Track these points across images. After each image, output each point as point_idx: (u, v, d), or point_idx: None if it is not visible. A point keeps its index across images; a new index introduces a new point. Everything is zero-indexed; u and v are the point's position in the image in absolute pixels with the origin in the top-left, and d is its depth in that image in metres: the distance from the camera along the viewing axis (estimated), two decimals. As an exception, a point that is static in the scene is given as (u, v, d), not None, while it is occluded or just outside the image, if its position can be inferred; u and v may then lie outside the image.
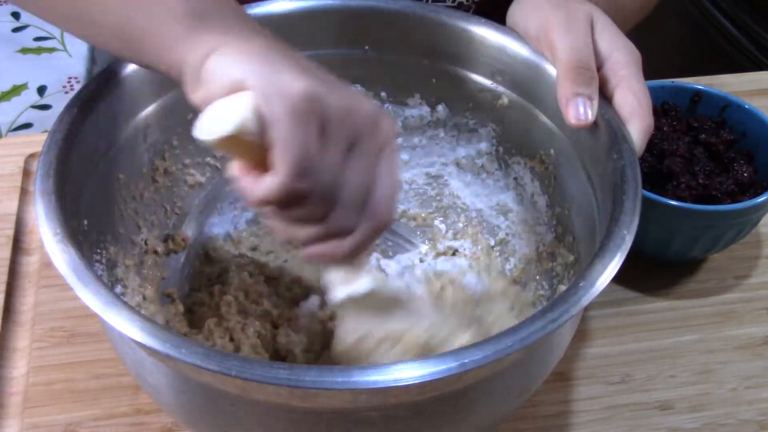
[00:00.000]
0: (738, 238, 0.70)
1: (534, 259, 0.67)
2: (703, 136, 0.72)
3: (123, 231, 0.60)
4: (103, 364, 0.65)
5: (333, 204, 0.46)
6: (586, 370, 0.66)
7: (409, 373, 0.43)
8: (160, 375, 0.50)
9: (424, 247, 0.72)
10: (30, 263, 0.73)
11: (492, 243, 0.70)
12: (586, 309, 0.48)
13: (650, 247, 0.70)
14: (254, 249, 0.69)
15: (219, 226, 0.70)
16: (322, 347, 0.60)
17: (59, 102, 1.29)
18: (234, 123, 0.43)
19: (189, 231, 0.68)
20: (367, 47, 0.67)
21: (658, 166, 0.70)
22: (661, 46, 1.37)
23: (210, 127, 0.44)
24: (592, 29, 0.58)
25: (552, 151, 0.63)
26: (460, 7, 0.77)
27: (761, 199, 0.66)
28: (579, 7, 0.58)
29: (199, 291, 0.66)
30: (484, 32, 0.64)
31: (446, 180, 0.72)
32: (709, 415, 0.64)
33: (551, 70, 0.61)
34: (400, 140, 0.72)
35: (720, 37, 1.22)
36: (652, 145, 0.71)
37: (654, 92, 0.75)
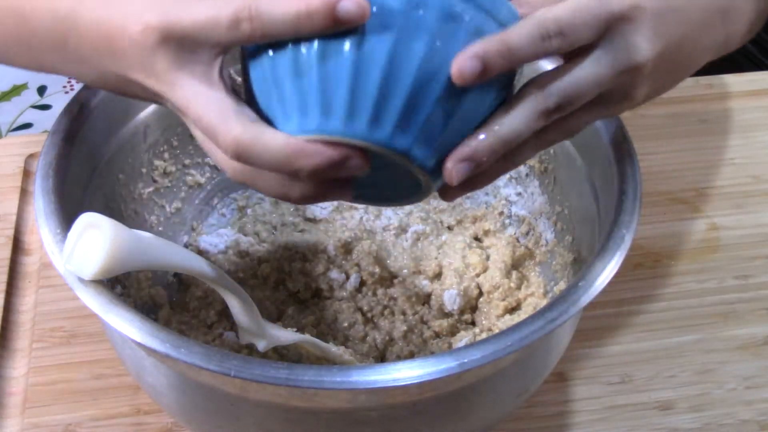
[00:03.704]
0: None
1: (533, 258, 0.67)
2: None
3: (123, 231, 0.60)
4: (103, 364, 0.65)
5: None
6: (586, 370, 0.66)
7: (408, 373, 0.43)
8: (159, 375, 0.50)
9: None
10: (30, 263, 0.73)
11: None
12: (586, 309, 0.48)
13: None
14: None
15: (216, 228, 0.70)
16: None
17: (59, 102, 1.29)
18: (96, 269, 0.44)
19: (186, 236, 0.68)
20: (366, 47, 0.67)
21: None
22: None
23: (81, 265, 0.45)
24: None
25: (552, 151, 0.63)
26: None
27: None
28: None
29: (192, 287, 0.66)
30: (484, 32, 0.64)
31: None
32: (709, 415, 0.64)
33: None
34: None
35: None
36: None
37: None
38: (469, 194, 0.71)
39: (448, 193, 0.47)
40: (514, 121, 0.43)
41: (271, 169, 0.42)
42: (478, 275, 0.67)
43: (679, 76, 0.51)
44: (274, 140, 0.41)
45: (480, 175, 0.46)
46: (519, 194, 0.68)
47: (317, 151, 0.41)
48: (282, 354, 0.60)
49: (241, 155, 0.42)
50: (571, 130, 0.47)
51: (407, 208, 0.71)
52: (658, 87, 0.49)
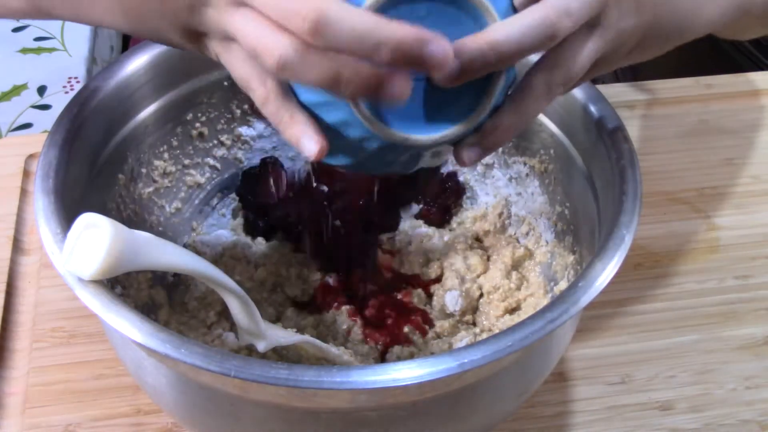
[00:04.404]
0: None
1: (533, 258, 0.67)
2: None
3: (123, 231, 0.60)
4: (103, 364, 0.65)
5: None
6: (586, 370, 0.66)
7: (407, 373, 0.43)
8: (159, 375, 0.50)
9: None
10: (30, 263, 0.73)
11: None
12: (586, 309, 0.48)
13: None
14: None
15: (216, 228, 0.70)
16: None
17: (59, 102, 1.29)
18: (95, 269, 0.44)
19: (186, 236, 0.68)
20: (366, 47, 0.67)
21: None
22: (662, 46, 1.37)
23: (81, 265, 0.45)
24: None
25: (552, 151, 0.63)
26: None
27: None
28: None
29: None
30: (484, 32, 0.64)
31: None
32: (709, 415, 0.64)
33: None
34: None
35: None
36: None
37: None
38: (468, 199, 0.72)
39: (463, 151, 0.48)
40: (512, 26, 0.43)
41: (352, 39, 0.39)
42: (479, 276, 0.67)
43: (674, 19, 0.51)
44: (359, 12, 0.40)
45: (496, 131, 0.47)
46: (519, 194, 0.68)
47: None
48: (282, 354, 0.60)
49: (321, 22, 0.39)
50: (575, 65, 0.47)
51: (409, 210, 0.71)
52: (639, 18, 0.48)
